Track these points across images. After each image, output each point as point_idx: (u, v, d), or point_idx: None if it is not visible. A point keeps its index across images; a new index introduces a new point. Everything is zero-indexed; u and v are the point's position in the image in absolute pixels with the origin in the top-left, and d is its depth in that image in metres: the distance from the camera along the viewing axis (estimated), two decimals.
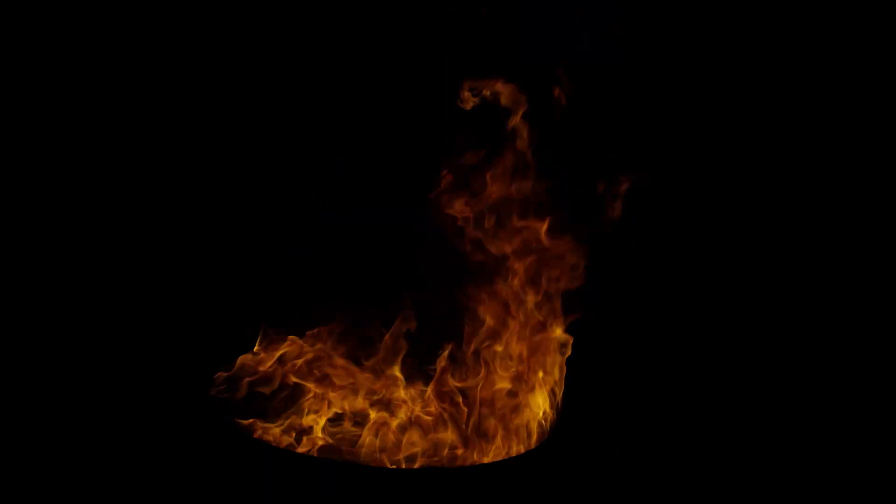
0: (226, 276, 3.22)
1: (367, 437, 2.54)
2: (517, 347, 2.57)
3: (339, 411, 2.67)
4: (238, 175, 3.23)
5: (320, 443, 2.53)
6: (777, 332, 3.22)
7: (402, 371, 2.67)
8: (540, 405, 2.55)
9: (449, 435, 2.53)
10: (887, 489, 2.78)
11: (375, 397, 2.68)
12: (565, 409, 2.53)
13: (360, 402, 2.68)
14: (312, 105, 3.22)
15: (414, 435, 2.54)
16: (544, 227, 2.58)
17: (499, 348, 2.57)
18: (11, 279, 3.07)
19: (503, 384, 2.55)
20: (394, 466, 2.44)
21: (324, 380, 2.65)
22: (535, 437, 2.51)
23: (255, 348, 2.63)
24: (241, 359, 2.60)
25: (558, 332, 2.57)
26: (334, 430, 2.63)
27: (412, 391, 2.68)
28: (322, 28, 3.16)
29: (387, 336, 2.66)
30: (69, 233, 3.13)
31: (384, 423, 2.57)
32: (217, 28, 3.13)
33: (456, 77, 2.72)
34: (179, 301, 3.15)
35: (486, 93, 2.62)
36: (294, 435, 2.53)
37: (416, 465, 2.46)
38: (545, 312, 2.58)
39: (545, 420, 2.54)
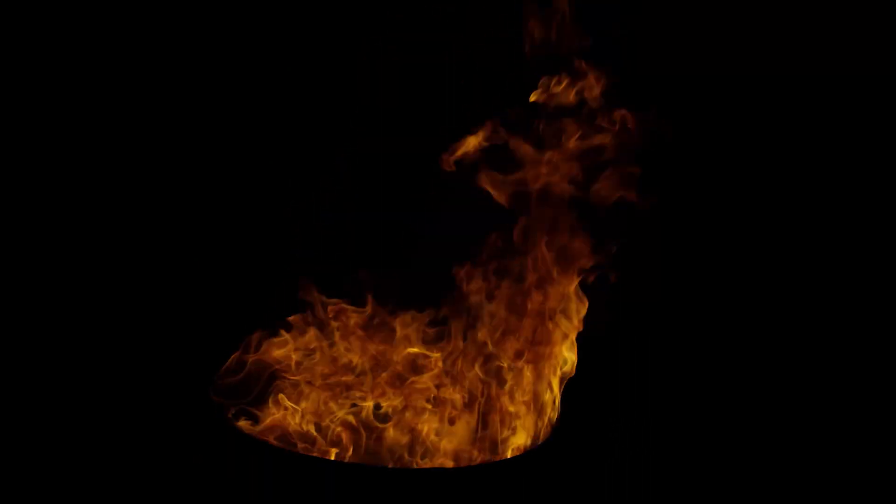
0: (226, 276, 3.22)
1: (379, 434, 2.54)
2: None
3: (352, 405, 2.65)
4: (238, 175, 3.23)
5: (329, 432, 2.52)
6: (777, 333, 3.23)
7: (416, 359, 2.66)
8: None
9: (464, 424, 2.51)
10: (887, 489, 2.78)
11: (382, 393, 2.67)
12: (565, 409, 2.53)
13: (367, 398, 2.66)
14: (312, 105, 3.22)
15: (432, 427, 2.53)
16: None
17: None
18: (12, 279, 3.07)
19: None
20: (393, 466, 2.44)
21: (328, 375, 2.64)
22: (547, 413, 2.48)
23: (258, 346, 2.63)
24: (241, 357, 2.60)
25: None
26: (341, 424, 2.62)
27: (426, 380, 2.66)
28: (322, 28, 3.16)
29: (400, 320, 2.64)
30: (70, 233, 3.13)
31: (395, 415, 2.57)
32: (217, 28, 3.14)
33: (456, 77, 2.71)
34: (180, 301, 3.16)
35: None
36: (298, 431, 2.53)
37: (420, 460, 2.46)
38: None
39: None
